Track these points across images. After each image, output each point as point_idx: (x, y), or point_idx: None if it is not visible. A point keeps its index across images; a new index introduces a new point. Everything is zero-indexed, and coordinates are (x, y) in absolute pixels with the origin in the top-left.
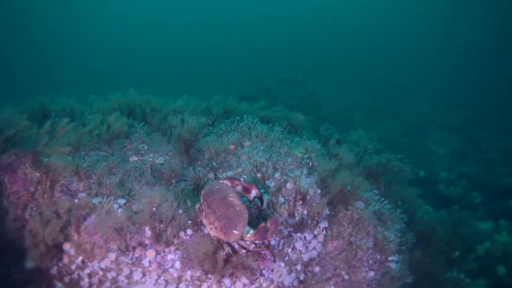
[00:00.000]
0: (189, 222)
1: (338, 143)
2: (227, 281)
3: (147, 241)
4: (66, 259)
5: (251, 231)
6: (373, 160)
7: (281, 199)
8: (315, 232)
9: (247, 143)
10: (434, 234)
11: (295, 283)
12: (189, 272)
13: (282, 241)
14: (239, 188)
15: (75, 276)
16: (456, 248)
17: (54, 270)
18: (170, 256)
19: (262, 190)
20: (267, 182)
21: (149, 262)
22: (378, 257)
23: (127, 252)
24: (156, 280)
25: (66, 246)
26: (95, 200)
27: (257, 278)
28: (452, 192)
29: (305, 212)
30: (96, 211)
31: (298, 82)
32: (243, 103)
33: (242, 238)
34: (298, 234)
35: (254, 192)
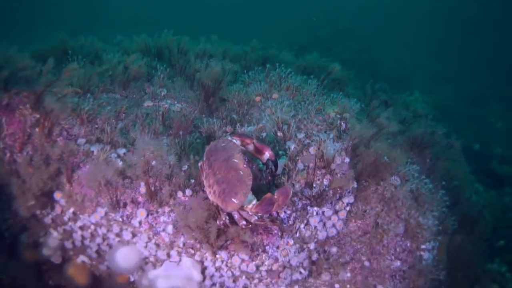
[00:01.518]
0: (192, 181)
1: (386, 105)
2: (223, 254)
3: (140, 199)
4: (58, 209)
5: (254, 201)
6: (420, 129)
7: (300, 165)
8: (337, 207)
9: (275, 96)
10: (479, 219)
11: (306, 263)
12: (182, 238)
13: (294, 214)
14: (250, 147)
15: (68, 227)
16: (501, 237)
17: (48, 219)
18: (162, 218)
19: (281, 152)
20: (288, 143)
21: (139, 222)
22: (408, 244)
23: (118, 209)
24: (146, 243)
25: (57, 196)
26: (94, 148)
27: (258, 255)
28: (505, 171)
29: (326, 182)
30: (93, 160)
31: (354, 35)
32: (284, 52)
33: (242, 208)
34: (315, 208)
35: (267, 154)
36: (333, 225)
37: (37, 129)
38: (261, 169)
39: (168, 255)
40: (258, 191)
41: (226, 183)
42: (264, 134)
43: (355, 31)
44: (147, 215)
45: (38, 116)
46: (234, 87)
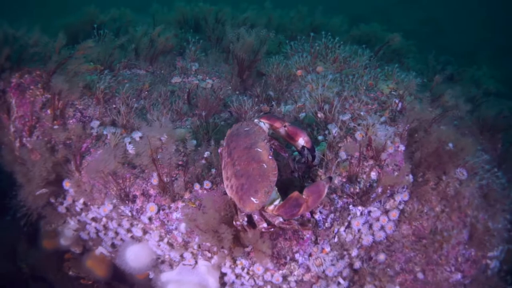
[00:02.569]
0: (213, 171)
1: (451, 80)
2: (244, 260)
3: (151, 191)
4: (69, 198)
5: (277, 201)
6: (492, 109)
7: (342, 154)
8: (387, 206)
9: (320, 68)
10: None
11: (346, 273)
12: (197, 239)
13: (332, 215)
14: (282, 131)
15: (81, 218)
16: None
17: (62, 208)
18: (175, 215)
19: (320, 138)
20: (329, 126)
21: (150, 218)
22: (473, 253)
23: (127, 202)
24: (158, 242)
25: (67, 185)
26: (106, 131)
27: (286, 263)
28: None
29: (374, 176)
30: (106, 145)
31: (418, 4)
32: (334, 19)
33: (263, 209)
34: (359, 208)
35: (302, 140)
36: (382, 228)
37: (48, 111)
38: (296, 157)
39: (182, 257)
40: (289, 186)
41: (246, 177)
42: (302, 115)
43: (419, 0)
44: (158, 211)
45: (49, 96)
46: (273, 59)
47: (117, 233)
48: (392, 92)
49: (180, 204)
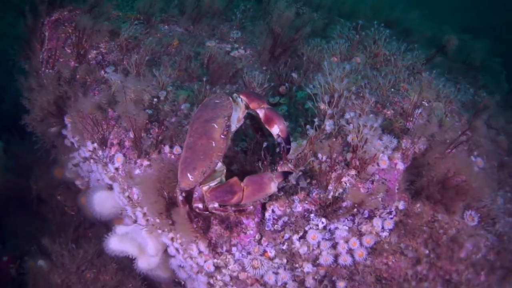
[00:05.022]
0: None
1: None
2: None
3: (127, 143)
4: (70, 134)
5: (215, 183)
6: None
7: (320, 155)
8: (362, 229)
9: (357, 59)
10: None
11: (292, 287)
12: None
13: (285, 218)
14: (260, 113)
15: (76, 155)
16: None
17: (67, 142)
18: (136, 171)
19: (310, 132)
20: (325, 121)
21: (116, 169)
22: None
23: (104, 147)
24: (119, 193)
25: (67, 120)
26: (113, 77)
27: (221, 253)
28: None
29: (348, 186)
30: (108, 91)
31: None
32: (412, 14)
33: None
34: (322, 220)
35: (276, 128)
36: (350, 251)
37: (74, 49)
38: (274, 145)
39: (135, 215)
40: (252, 172)
41: (192, 151)
42: (308, 104)
43: None
44: (125, 163)
45: (77, 35)
46: (314, 42)
47: (97, 179)
48: (423, 102)
49: (145, 162)
